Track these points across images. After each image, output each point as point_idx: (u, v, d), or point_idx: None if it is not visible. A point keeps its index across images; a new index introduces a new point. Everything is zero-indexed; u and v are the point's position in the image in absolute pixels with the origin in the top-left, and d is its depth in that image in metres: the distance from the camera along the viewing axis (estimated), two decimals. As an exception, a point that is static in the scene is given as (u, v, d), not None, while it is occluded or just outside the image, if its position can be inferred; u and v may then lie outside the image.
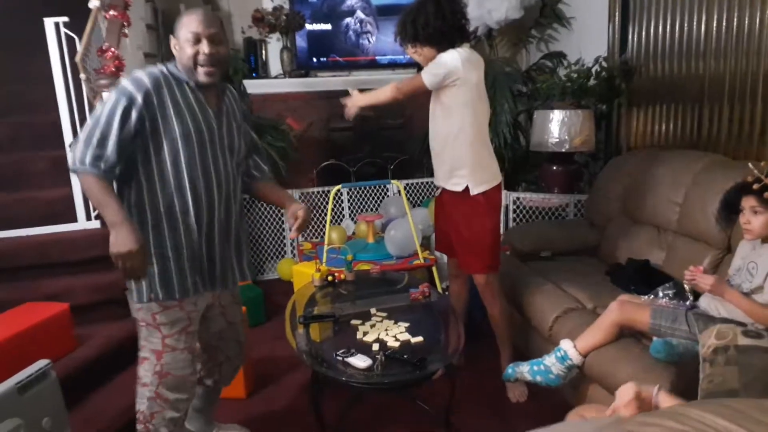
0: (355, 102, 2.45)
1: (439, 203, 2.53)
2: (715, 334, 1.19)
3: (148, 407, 1.79)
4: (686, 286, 2.00)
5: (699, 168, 2.51)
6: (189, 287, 1.76)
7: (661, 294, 2.09)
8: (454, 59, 2.19)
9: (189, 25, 1.68)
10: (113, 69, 2.92)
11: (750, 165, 1.16)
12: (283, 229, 4.13)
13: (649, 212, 2.73)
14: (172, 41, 1.73)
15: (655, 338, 1.92)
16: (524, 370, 2.17)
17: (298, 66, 4.44)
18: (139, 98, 1.61)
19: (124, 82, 1.65)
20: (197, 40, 1.67)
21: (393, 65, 4.61)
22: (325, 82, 4.43)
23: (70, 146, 2.77)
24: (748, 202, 1.82)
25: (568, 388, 2.21)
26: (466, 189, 2.31)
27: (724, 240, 2.26)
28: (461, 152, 2.29)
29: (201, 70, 1.69)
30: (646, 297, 2.12)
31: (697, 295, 2.00)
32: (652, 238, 2.68)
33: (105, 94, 1.58)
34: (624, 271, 2.57)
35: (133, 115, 1.61)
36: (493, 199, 2.36)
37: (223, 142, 1.80)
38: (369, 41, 4.58)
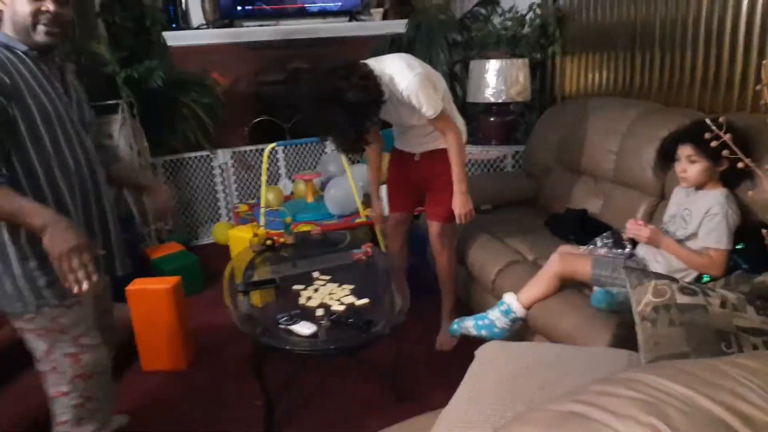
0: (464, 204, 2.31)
1: (407, 165, 2.45)
2: (652, 292, 1.18)
3: (75, 415, 1.59)
4: (624, 235, 2.04)
5: (633, 116, 2.54)
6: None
7: (599, 243, 2.12)
8: (413, 80, 2.08)
9: None
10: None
11: (707, 121, 1.14)
12: (216, 191, 3.95)
13: (586, 162, 2.76)
14: None
15: (596, 288, 1.96)
16: (469, 324, 2.18)
17: (222, 15, 4.15)
18: None
19: None
20: None
21: (323, 13, 4.40)
22: (251, 32, 4.17)
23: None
24: (684, 151, 1.84)
25: (513, 340, 2.24)
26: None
27: (658, 187, 2.32)
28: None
29: (41, 29, 1.43)
30: (585, 247, 2.15)
31: (635, 243, 2.04)
32: (589, 187, 2.72)
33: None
34: (562, 221, 2.61)
35: None
36: None
37: (75, 117, 1.57)
38: (297, -13, 4.34)
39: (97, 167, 1.63)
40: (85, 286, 1.32)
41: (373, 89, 2.05)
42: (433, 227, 2.46)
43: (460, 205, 2.30)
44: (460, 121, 2.37)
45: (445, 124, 2.22)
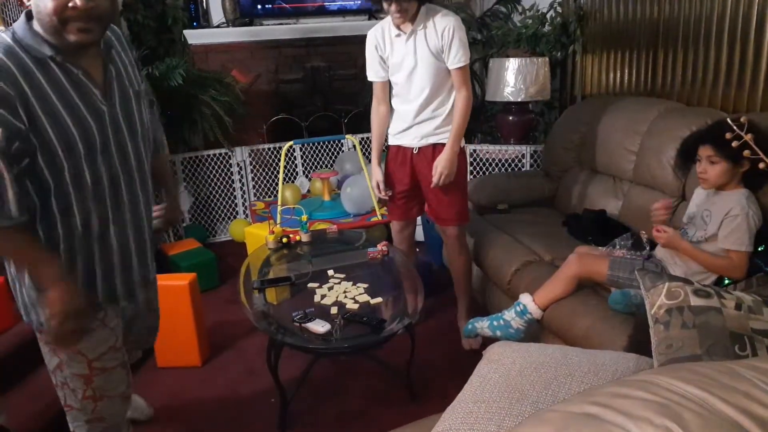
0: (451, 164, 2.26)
1: (405, 164, 2.39)
2: (665, 294, 1.16)
3: (89, 430, 1.53)
4: (643, 237, 2.01)
5: (654, 116, 2.50)
6: (102, 303, 1.44)
7: (618, 245, 2.09)
8: (459, 21, 2.20)
9: None
10: None
11: (728, 120, 1.12)
12: (234, 189, 3.98)
13: (605, 161, 2.72)
14: None
15: (613, 289, 1.94)
16: (484, 325, 2.17)
17: (242, 14, 4.18)
18: None
19: None
20: None
21: (343, 12, 4.40)
22: (271, 30, 4.19)
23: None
24: (705, 152, 1.81)
25: (529, 341, 2.22)
26: None
27: (678, 188, 2.28)
28: (450, 105, 2.29)
29: (72, 27, 1.19)
30: (604, 248, 2.13)
31: (653, 245, 2.01)
32: (608, 187, 2.68)
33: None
34: (581, 222, 2.58)
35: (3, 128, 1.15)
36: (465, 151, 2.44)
37: (119, 127, 1.36)
38: (317, -14, 4.35)
39: (139, 183, 1.46)
40: (79, 343, 1.33)
41: None
42: (450, 231, 2.42)
43: (446, 162, 2.23)
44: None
45: (465, 78, 2.23)
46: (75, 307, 1.27)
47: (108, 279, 1.44)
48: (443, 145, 2.30)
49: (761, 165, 1.09)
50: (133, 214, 1.45)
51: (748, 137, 1.11)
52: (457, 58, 2.18)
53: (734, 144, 1.12)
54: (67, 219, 1.32)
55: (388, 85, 2.40)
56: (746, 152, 1.13)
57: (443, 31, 2.16)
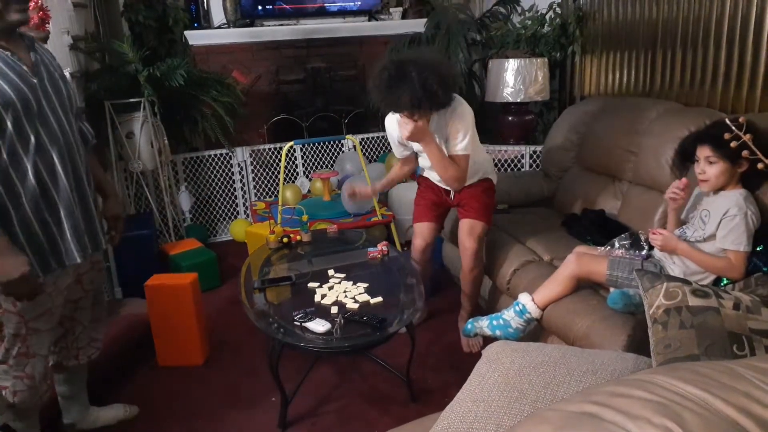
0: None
1: (438, 194, 2.55)
2: (664, 294, 1.17)
3: (13, 385, 1.65)
4: (642, 237, 2.02)
5: (653, 116, 2.51)
6: (38, 270, 1.56)
7: (617, 245, 2.09)
8: (469, 110, 2.29)
9: None
10: (37, 21, 2.68)
11: (727, 121, 1.13)
12: (235, 189, 3.99)
13: (604, 162, 2.73)
14: None
15: (612, 289, 1.94)
16: (483, 324, 2.17)
17: (243, 15, 4.19)
18: None
19: None
20: None
21: (343, 13, 4.41)
22: (272, 31, 4.20)
23: None
24: (703, 152, 1.81)
25: (528, 340, 2.22)
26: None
27: (677, 189, 2.28)
28: (476, 163, 2.41)
29: (13, 8, 1.43)
30: (603, 248, 2.13)
31: (652, 245, 2.02)
32: (608, 187, 2.69)
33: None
34: (580, 222, 2.58)
35: None
36: None
37: (51, 98, 1.56)
38: (317, -13, 4.36)
39: (75, 150, 1.63)
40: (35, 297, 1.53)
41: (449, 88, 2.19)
42: (476, 226, 2.42)
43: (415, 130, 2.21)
44: (485, 157, 2.53)
45: (464, 168, 2.32)
46: (20, 274, 1.44)
47: (52, 240, 1.57)
48: (469, 185, 2.45)
49: (760, 165, 1.10)
50: (76, 182, 1.62)
51: (746, 137, 1.12)
52: (460, 145, 2.27)
53: (733, 144, 1.12)
54: (20, 176, 1.49)
55: (414, 153, 2.51)
56: (745, 153, 1.13)
57: (450, 123, 2.26)
